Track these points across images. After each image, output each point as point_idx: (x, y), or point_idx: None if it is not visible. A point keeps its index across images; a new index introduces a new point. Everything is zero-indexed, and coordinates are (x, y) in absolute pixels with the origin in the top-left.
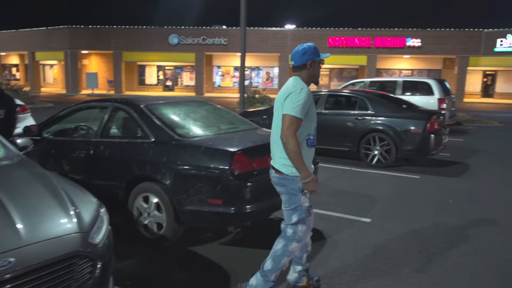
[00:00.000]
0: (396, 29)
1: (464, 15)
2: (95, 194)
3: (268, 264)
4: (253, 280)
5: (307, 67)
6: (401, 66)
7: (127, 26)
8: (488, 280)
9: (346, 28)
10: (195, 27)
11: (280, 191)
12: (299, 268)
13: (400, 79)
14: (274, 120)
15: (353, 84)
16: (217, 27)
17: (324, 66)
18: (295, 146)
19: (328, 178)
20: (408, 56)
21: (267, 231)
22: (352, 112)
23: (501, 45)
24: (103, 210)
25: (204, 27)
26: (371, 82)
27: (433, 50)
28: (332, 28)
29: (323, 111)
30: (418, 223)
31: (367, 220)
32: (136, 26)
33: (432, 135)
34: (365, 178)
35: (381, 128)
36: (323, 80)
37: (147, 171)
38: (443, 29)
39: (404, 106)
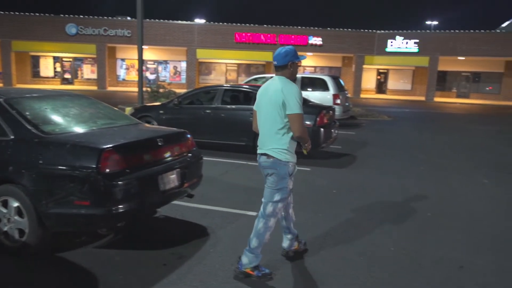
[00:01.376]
0: (299, 27)
1: (359, 16)
2: None
3: (254, 242)
4: (244, 259)
5: (288, 67)
6: (305, 63)
7: (17, 13)
8: (371, 269)
9: (252, 25)
10: (96, 17)
11: (269, 173)
12: (289, 236)
13: (299, 76)
14: (265, 115)
15: (255, 79)
16: (119, 18)
17: (231, 61)
18: (306, 135)
19: (221, 173)
20: (311, 53)
21: (148, 231)
22: (248, 106)
23: (391, 45)
24: None
25: (105, 18)
26: (272, 77)
27: (333, 49)
28: (238, 24)
29: (220, 106)
30: (301, 214)
31: (253, 213)
32: (27, 14)
33: (322, 129)
34: (259, 172)
35: None
36: (231, 75)
37: (5, 173)
38: (341, 29)
39: None
